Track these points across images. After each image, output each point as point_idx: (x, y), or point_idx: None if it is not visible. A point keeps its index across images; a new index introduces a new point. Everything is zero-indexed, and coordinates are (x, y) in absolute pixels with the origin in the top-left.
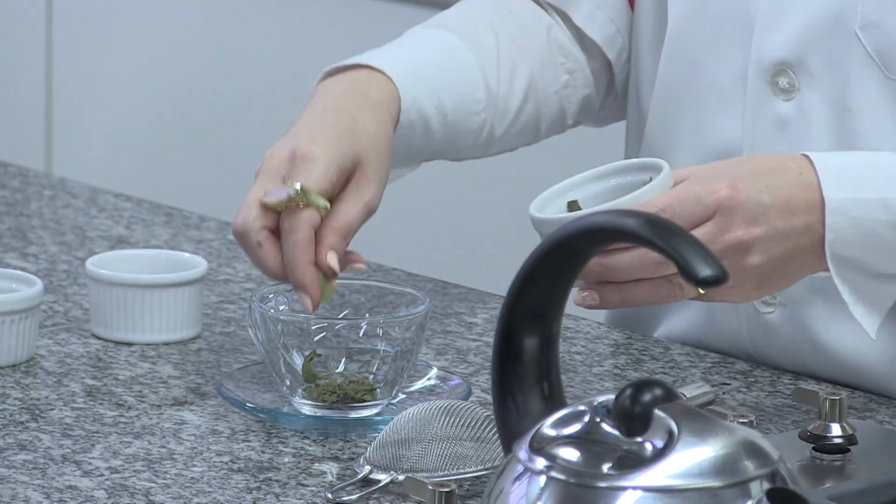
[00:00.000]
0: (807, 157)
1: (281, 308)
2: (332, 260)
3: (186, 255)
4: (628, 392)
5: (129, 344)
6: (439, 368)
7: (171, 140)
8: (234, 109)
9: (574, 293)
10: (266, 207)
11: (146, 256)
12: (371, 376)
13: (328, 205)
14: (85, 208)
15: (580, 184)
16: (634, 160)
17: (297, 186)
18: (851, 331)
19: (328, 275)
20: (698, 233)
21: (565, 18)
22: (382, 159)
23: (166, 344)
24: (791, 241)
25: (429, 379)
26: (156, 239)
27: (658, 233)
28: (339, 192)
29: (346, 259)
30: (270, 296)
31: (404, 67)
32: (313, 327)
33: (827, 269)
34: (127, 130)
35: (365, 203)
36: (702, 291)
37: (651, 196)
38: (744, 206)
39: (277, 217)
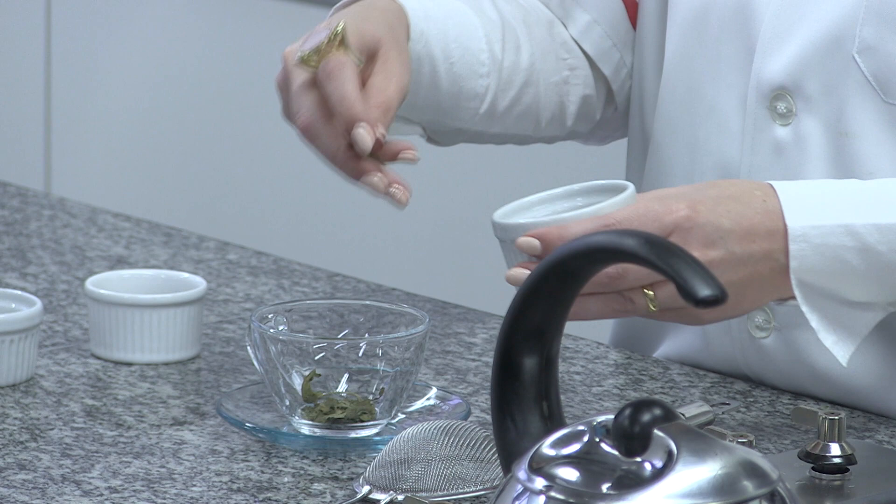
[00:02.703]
0: (770, 185)
1: (280, 328)
2: (381, 130)
3: (185, 274)
4: (627, 412)
5: (129, 364)
6: (439, 388)
7: (170, 160)
8: (235, 130)
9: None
10: (304, 63)
11: (145, 276)
12: (370, 396)
13: (361, 58)
14: (84, 228)
15: (547, 200)
16: (603, 181)
17: (340, 26)
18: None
19: (376, 147)
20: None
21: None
22: (401, 42)
23: (166, 364)
24: (749, 268)
25: (428, 399)
26: (155, 259)
27: (657, 252)
28: (366, 73)
29: (395, 147)
30: (270, 315)
31: (415, 3)
32: (313, 347)
33: (794, 297)
34: (126, 150)
35: (396, 82)
36: (653, 308)
37: (611, 210)
38: (702, 228)
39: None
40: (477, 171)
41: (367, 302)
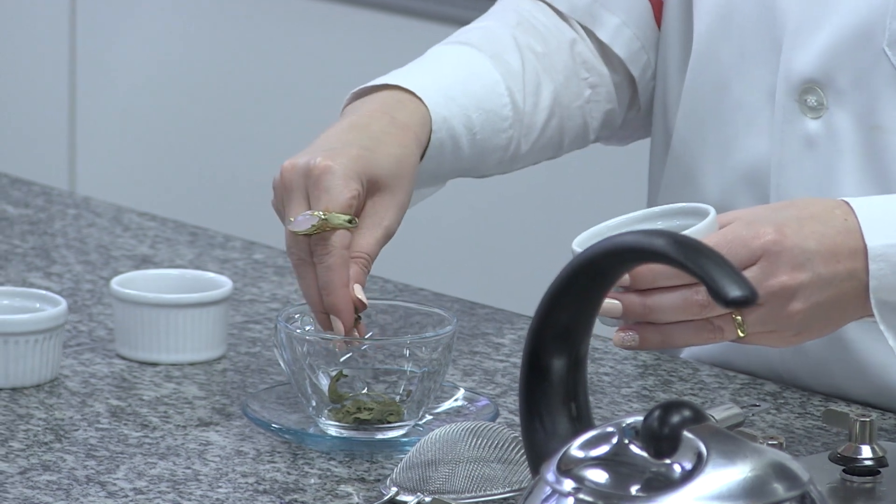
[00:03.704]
0: (846, 202)
1: (307, 328)
2: (358, 292)
3: (211, 274)
4: (657, 413)
5: (154, 364)
6: (466, 389)
7: (196, 159)
8: (261, 129)
9: (613, 332)
10: (296, 234)
11: (171, 276)
12: (397, 397)
13: (356, 220)
14: (109, 227)
15: (625, 225)
16: (681, 204)
17: (320, 214)
18: (885, 346)
19: (357, 308)
20: None
21: (589, 33)
22: (403, 185)
23: (191, 364)
24: (834, 288)
25: (456, 400)
26: (180, 258)
27: (685, 253)
28: (359, 212)
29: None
30: (296, 316)
31: (433, 88)
32: (344, 349)
33: (872, 316)
34: (152, 149)
35: (384, 229)
36: (741, 334)
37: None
38: (790, 252)
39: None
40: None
41: (395, 302)
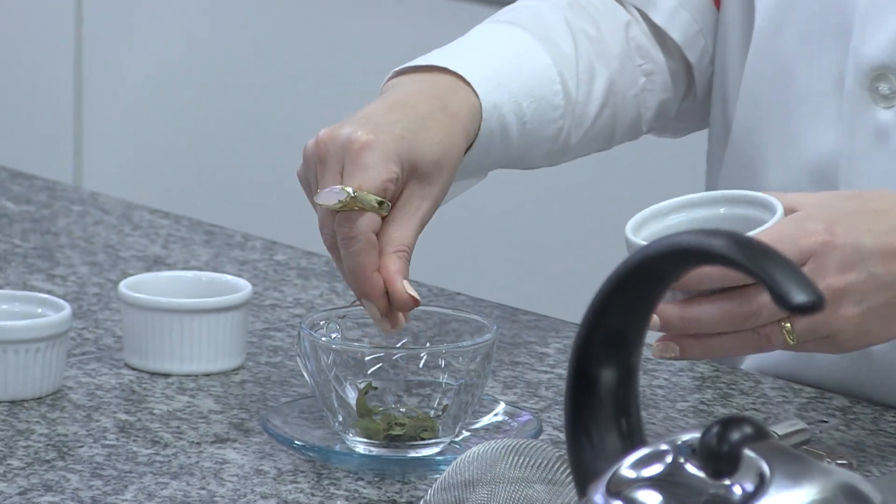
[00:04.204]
0: None
1: (333, 336)
2: (409, 288)
3: (229, 277)
4: (715, 430)
5: (166, 375)
6: (507, 403)
7: (212, 152)
8: (283, 121)
9: (652, 343)
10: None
11: (185, 279)
12: (432, 412)
13: (387, 204)
14: (118, 225)
15: (684, 206)
16: (746, 192)
17: (350, 190)
18: None
19: (407, 308)
20: None
21: (644, 16)
22: (443, 177)
23: (207, 375)
24: (894, 291)
25: (495, 415)
26: (195, 259)
27: (748, 254)
28: (393, 198)
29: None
30: (321, 322)
31: (483, 72)
32: (368, 358)
33: None
34: (164, 141)
35: (419, 218)
36: (791, 342)
37: None
38: (840, 251)
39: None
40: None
41: (429, 308)
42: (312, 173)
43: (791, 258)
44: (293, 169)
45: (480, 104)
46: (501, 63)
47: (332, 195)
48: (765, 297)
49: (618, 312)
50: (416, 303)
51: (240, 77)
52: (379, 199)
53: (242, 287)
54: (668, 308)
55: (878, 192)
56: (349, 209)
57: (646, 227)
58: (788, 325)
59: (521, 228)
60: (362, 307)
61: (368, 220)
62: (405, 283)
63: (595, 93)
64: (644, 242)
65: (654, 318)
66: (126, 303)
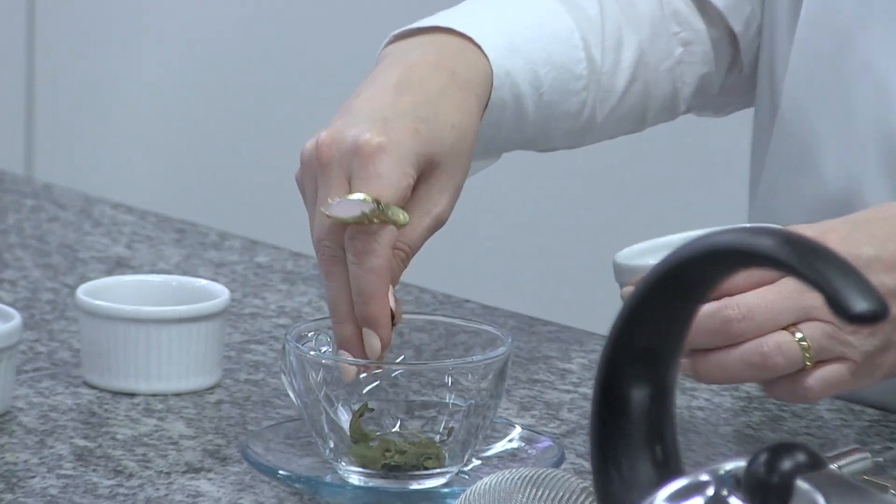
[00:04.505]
0: None
1: (323, 350)
2: (389, 299)
3: (203, 281)
4: (763, 458)
5: (131, 395)
6: (524, 427)
7: (182, 138)
8: (264, 106)
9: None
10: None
11: (152, 284)
12: (437, 437)
13: (408, 217)
14: (76, 222)
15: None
16: (750, 226)
17: (371, 202)
18: None
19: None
20: (784, 288)
21: None
22: (462, 162)
23: (177, 395)
24: None
25: (510, 440)
26: (164, 261)
27: (799, 255)
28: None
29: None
30: (310, 334)
31: (494, 33)
32: (364, 375)
33: None
34: (129, 125)
35: (434, 217)
36: (807, 359)
37: None
38: None
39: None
40: (567, 159)
41: (434, 317)
42: (311, 179)
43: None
44: (276, 159)
45: (491, 70)
46: (516, 25)
47: (352, 207)
48: (752, 299)
49: (650, 323)
50: (395, 315)
51: (209, 59)
52: (405, 212)
53: (219, 293)
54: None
55: (887, 205)
56: (370, 222)
57: (635, 260)
58: (800, 333)
59: (540, 226)
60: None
61: (390, 235)
62: (390, 290)
63: (623, 63)
64: (625, 263)
65: None
66: (85, 311)
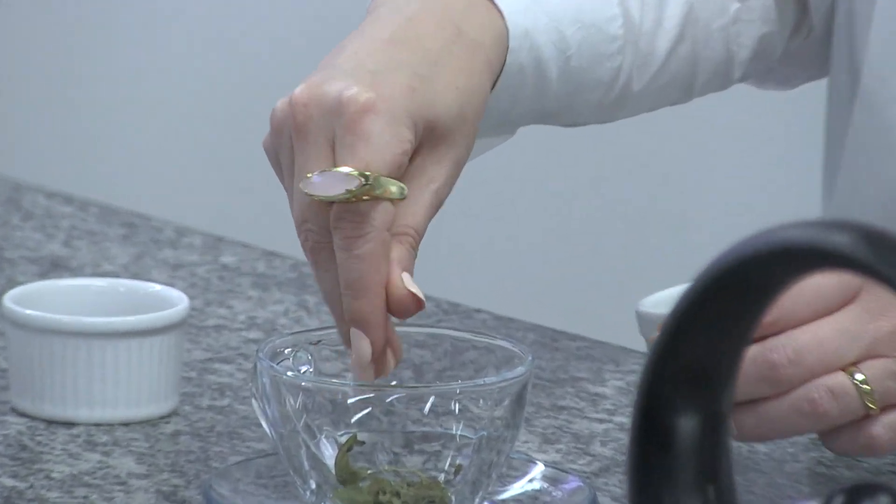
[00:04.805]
0: None
1: (303, 370)
2: (409, 284)
3: (157, 287)
4: (840, 500)
5: (69, 424)
6: (547, 464)
7: (134, 115)
8: (228, 77)
9: None
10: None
11: (95, 289)
12: (442, 476)
13: (405, 190)
14: (2, 214)
15: None
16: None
17: (364, 175)
18: None
19: (406, 311)
20: (841, 322)
21: None
22: (465, 132)
23: (125, 424)
24: None
25: (531, 480)
26: (110, 262)
27: (883, 255)
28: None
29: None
30: (286, 350)
31: None
32: (352, 400)
33: None
34: (64, 99)
35: (434, 194)
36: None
37: None
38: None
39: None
40: (597, 144)
41: (438, 330)
42: (286, 148)
43: (832, 297)
44: (248, 140)
45: (507, 29)
46: None
47: (335, 182)
48: (802, 337)
49: (701, 337)
50: (418, 304)
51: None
52: (399, 184)
53: (176, 301)
54: None
55: None
56: (358, 199)
57: (659, 308)
58: (862, 375)
59: (566, 222)
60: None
61: (384, 213)
62: (405, 276)
63: (667, 21)
64: (648, 311)
65: None
66: (12, 322)
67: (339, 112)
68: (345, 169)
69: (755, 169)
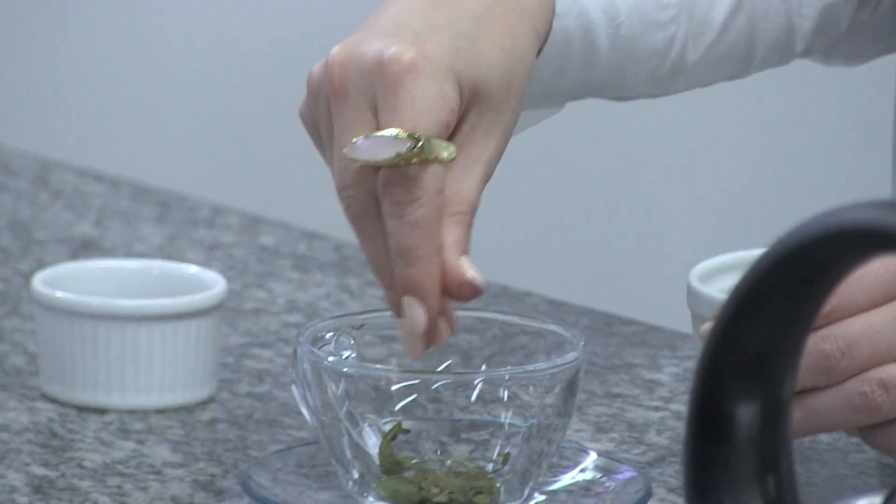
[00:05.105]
0: None
1: (345, 355)
2: (468, 267)
3: (193, 268)
4: None
5: (102, 410)
6: (601, 454)
7: (165, 90)
8: (260, 46)
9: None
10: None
11: (128, 271)
12: (490, 465)
13: (454, 151)
14: (31, 193)
15: None
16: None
17: (415, 138)
18: None
19: (464, 296)
20: (885, 318)
21: None
22: (513, 99)
23: (161, 411)
24: None
25: (583, 470)
26: (143, 243)
27: None
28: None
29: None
30: (328, 335)
31: None
32: (397, 387)
33: None
34: (95, 75)
35: (485, 165)
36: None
37: None
38: None
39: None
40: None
41: (486, 314)
42: (324, 113)
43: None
44: (288, 114)
45: None
46: None
47: (383, 145)
48: (855, 327)
49: (760, 324)
50: (476, 291)
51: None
52: (449, 145)
53: (212, 283)
54: None
55: None
56: (407, 163)
57: (715, 279)
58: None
59: (620, 202)
60: (389, 312)
61: (435, 177)
62: (464, 260)
63: None
64: (699, 289)
65: None
66: (42, 305)
67: (381, 72)
68: (391, 131)
69: (824, 147)
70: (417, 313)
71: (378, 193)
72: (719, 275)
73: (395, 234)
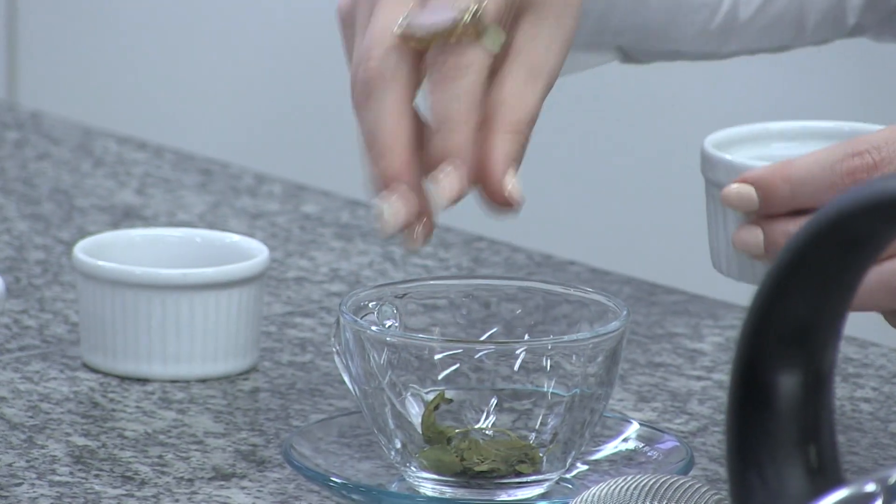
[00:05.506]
0: None
1: (388, 324)
2: (510, 182)
3: (235, 237)
4: None
5: (143, 380)
6: (643, 423)
7: (207, 56)
8: (309, 10)
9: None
10: (407, 41)
11: (170, 240)
12: (533, 435)
13: (501, 42)
14: (72, 161)
15: (798, 135)
16: (861, 125)
17: (473, 8)
18: None
19: (503, 206)
20: None
21: None
22: (570, 9)
23: (203, 381)
24: None
25: (626, 440)
26: (185, 211)
27: None
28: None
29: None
30: (371, 304)
31: None
32: (440, 356)
33: None
34: (136, 39)
35: (546, 76)
36: None
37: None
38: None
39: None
40: (697, 83)
41: (528, 283)
42: (365, 5)
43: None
44: (332, 81)
45: None
46: None
47: (437, 14)
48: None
49: (802, 294)
50: (509, 205)
51: None
52: (502, 33)
53: (255, 252)
54: (777, 224)
55: None
56: (456, 39)
57: (735, 150)
58: None
59: (664, 168)
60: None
61: (483, 57)
62: (510, 175)
63: None
64: (714, 153)
65: (754, 237)
66: (83, 274)
67: (441, 26)
68: (441, 5)
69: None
70: (452, 181)
71: (428, 64)
72: (736, 144)
73: (438, 104)
